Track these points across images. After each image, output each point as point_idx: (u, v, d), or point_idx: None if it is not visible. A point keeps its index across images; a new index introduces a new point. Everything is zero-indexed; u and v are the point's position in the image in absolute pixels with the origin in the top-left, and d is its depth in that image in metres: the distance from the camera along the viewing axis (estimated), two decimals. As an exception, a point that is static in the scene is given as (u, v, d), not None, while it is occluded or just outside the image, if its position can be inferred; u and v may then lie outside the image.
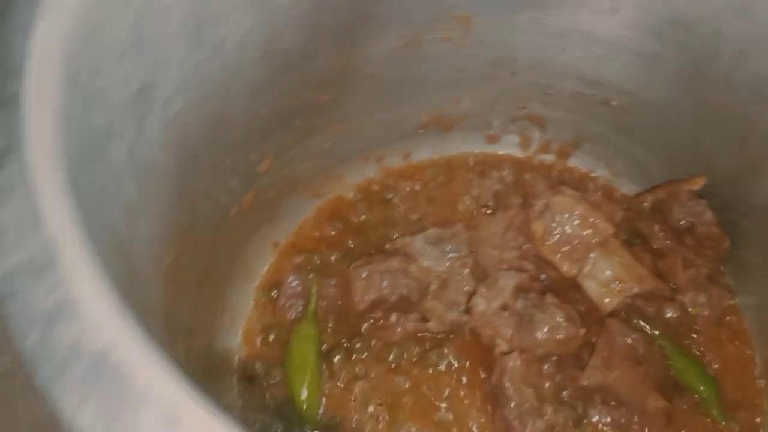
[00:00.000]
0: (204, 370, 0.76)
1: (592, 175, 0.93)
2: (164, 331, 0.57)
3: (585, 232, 0.79)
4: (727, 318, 0.81)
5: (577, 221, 0.79)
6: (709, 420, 0.74)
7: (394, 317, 0.79)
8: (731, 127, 0.73)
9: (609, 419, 0.72)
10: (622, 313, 0.79)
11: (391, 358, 0.79)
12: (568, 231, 0.79)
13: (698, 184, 0.79)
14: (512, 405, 0.72)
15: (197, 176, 0.64)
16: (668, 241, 0.81)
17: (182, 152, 0.59)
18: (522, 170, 0.94)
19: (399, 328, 0.79)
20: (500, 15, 0.76)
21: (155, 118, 0.52)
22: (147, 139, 0.51)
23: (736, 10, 0.64)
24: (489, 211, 0.90)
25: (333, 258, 0.86)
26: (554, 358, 0.75)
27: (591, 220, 0.79)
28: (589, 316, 0.79)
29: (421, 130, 0.92)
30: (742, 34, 0.65)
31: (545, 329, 0.74)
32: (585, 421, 0.73)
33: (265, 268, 0.86)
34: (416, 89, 0.85)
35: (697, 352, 0.79)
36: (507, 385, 0.73)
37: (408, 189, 0.92)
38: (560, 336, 0.74)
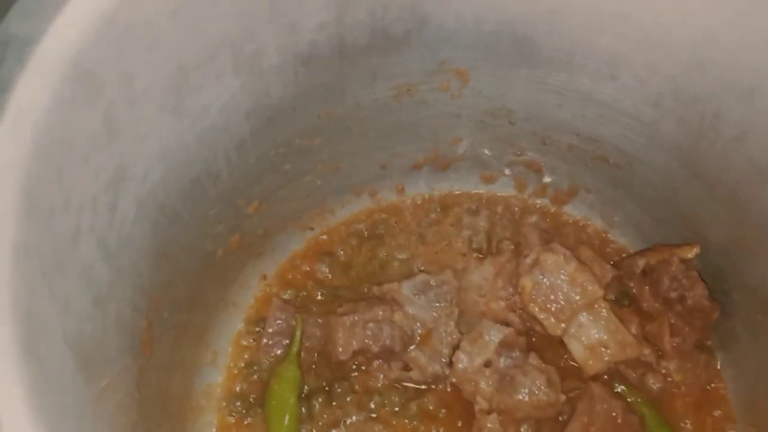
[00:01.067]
0: (183, 410, 0.77)
1: (588, 223, 0.91)
2: (136, 383, 0.57)
3: (573, 293, 0.78)
4: (712, 385, 0.80)
5: (566, 281, 0.78)
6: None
7: (376, 364, 0.79)
8: (725, 205, 0.71)
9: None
10: (606, 377, 0.78)
11: (372, 405, 0.79)
12: (557, 290, 0.78)
13: (690, 253, 0.77)
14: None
15: (179, 234, 0.64)
16: (657, 305, 0.80)
17: (162, 218, 0.58)
18: (517, 213, 0.92)
19: (381, 376, 0.79)
20: (499, 70, 0.74)
21: (130, 195, 0.51)
22: (121, 219, 0.50)
23: (736, 95, 0.62)
24: (480, 255, 0.89)
25: (319, 295, 0.86)
26: (532, 420, 0.75)
27: (580, 281, 0.78)
28: (572, 375, 0.79)
29: (416, 169, 0.90)
30: (741, 118, 0.63)
31: (525, 392, 0.74)
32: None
33: (251, 303, 0.86)
34: (411, 132, 0.84)
35: (680, 423, 0.78)
36: (485, 444, 0.73)
37: (400, 226, 0.91)
38: (539, 401, 0.74)
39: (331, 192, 0.88)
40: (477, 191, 0.93)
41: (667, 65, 0.64)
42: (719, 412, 0.78)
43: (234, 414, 0.80)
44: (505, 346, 0.78)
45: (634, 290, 0.82)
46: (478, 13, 0.66)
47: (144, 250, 0.56)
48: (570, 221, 0.91)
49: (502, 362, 0.76)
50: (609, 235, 0.90)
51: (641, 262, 0.80)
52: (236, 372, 0.82)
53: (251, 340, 0.84)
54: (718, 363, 0.81)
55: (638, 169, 0.79)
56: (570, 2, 0.63)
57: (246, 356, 0.83)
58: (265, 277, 0.87)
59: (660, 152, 0.75)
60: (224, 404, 0.81)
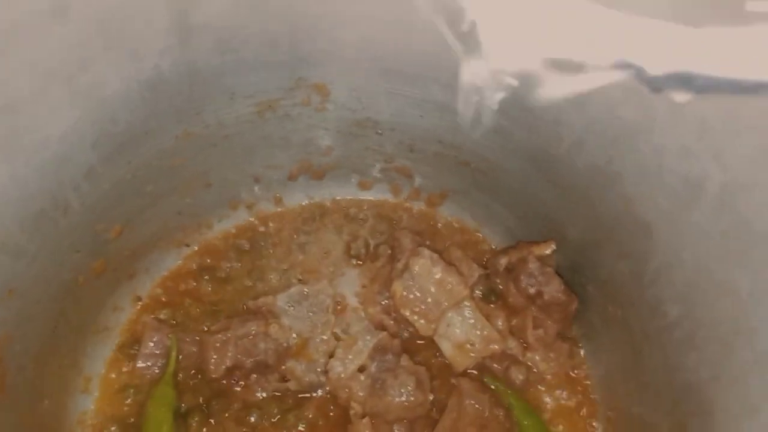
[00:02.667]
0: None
1: (459, 224, 0.94)
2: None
3: (441, 294, 0.81)
4: (575, 372, 0.85)
5: (433, 283, 0.81)
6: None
7: (254, 378, 0.80)
8: (576, 205, 0.75)
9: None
10: (474, 372, 0.82)
11: (252, 419, 0.79)
12: (425, 292, 0.81)
13: (547, 249, 0.81)
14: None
15: (27, 268, 0.62)
16: (521, 300, 0.84)
17: (2, 255, 0.57)
18: (394, 218, 0.94)
19: (259, 389, 0.80)
20: (358, 84, 0.75)
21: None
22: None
23: (573, 104, 0.65)
24: (359, 262, 0.91)
25: (198, 311, 0.86)
26: (405, 421, 0.78)
27: (447, 282, 0.81)
28: (444, 373, 0.82)
29: (292, 179, 0.91)
30: (579, 125, 0.67)
31: (395, 395, 0.76)
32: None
33: (125, 325, 0.85)
34: (281, 145, 0.84)
35: (544, 413, 0.82)
36: (358, 448, 0.75)
37: (279, 237, 0.92)
38: (409, 402, 0.77)
39: (205, 208, 0.88)
40: (355, 197, 0.95)
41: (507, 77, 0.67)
42: (581, 398, 0.83)
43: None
44: (378, 350, 0.81)
45: (500, 287, 0.85)
46: (331, 32, 0.67)
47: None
48: (443, 223, 0.94)
49: (375, 367, 0.79)
50: (480, 235, 0.93)
51: (503, 260, 0.84)
52: (111, 396, 0.81)
53: (127, 363, 0.83)
54: (582, 352, 0.85)
55: (498, 174, 0.82)
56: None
57: (121, 380, 0.82)
58: (139, 299, 0.86)
59: (515, 158, 0.78)
60: (99, 430, 0.79)
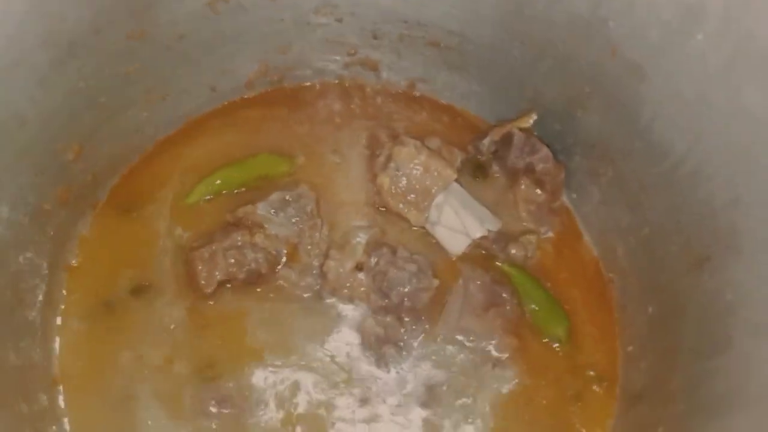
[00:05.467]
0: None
1: (435, 112, 0.90)
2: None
3: (429, 180, 0.79)
4: (573, 240, 0.84)
5: (420, 171, 0.78)
6: (558, 350, 0.78)
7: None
8: (554, 64, 0.73)
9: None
10: (473, 255, 0.80)
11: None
12: (413, 180, 0.79)
13: (528, 121, 0.80)
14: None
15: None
16: (509, 177, 0.83)
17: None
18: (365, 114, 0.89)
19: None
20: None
21: None
22: None
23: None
24: (338, 161, 0.86)
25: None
26: (413, 310, 0.76)
27: (433, 167, 0.78)
28: (442, 260, 0.80)
29: (249, 87, 0.85)
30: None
31: (400, 285, 0.74)
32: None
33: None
34: (236, 44, 0.78)
35: (547, 281, 0.81)
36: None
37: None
38: (416, 289, 0.75)
39: (162, 124, 0.82)
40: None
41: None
42: (583, 265, 0.83)
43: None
44: (373, 245, 0.78)
45: (486, 167, 0.83)
46: None
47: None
48: (417, 112, 0.90)
49: (373, 262, 0.76)
50: (458, 119, 0.90)
51: (487, 140, 0.81)
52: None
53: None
54: (577, 220, 0.84)
55: (469, 48, 0.79)
56: None
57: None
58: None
59: (486, 25, 0.75)
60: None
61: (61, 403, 0.70)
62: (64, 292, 0.74)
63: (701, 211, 0.61)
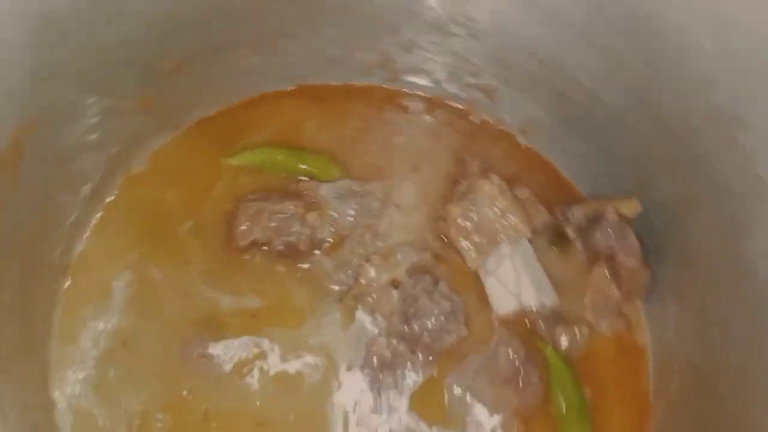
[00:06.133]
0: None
1: (537, 160, 0.85)
2: None
3: (500, 228, 0.73)
4: (629, 356, 0.75)
5: (496, 214, 0.73)
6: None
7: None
8: (678, 158, 0.66)
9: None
10: (516, 322, 0.74)
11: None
12: (484, 221, 0.73)
13: (630, 207, 0.72)
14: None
15: (66, 58, 0.56)
16: (588, 257, 0.76)
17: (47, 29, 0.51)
18: (464, 137, 0.85)
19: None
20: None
21: None
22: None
23: (711, 27, 0.56)
24: (417, 175, 0.82)
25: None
26: (432, 349, 0.70)
27: (510, 217, 0.73)
28: (482, 313, 0.74)
29: (366, 73, 0.83)
30: (715, 53, 0.57)
31: (427, 318, 0.69)
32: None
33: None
34: (364, 24, 0.76)
35: (586, 384, 0.73)
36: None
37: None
38: (441, 329, 0.69)
39: (273, 78, 0.81)
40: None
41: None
42: (632, 381, 0.74)
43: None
44: (417, 269, 0.73)
45: (567, 238, 0.77)
46: None
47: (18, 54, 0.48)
48: (519, 155, 0.85)
49: (410, 284, 0.71)
50: (558, 177, 0.83)
51: (579, 211, 0.75)
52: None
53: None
54: (643, 334, 0.76)
55: (595, 109, 0.73)
56: None
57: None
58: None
59: (618, 90, 0.69)
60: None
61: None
62: (112, 197, 0.74)
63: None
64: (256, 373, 0.68)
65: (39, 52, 0.51)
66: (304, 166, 0.76)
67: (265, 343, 0.69)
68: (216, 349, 0.68)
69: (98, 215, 0.73)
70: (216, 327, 0.69)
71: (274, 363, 0.69)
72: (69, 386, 0.65)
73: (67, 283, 0.69)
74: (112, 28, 0.58)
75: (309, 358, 0.69)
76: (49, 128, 0.57)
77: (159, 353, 0.68)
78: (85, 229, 0.72)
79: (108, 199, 0.73)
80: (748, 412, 0.56)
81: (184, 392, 0.67)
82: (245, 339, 0.69)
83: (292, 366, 0.69)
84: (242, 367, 0.69)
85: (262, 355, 0.69)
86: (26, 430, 0.57)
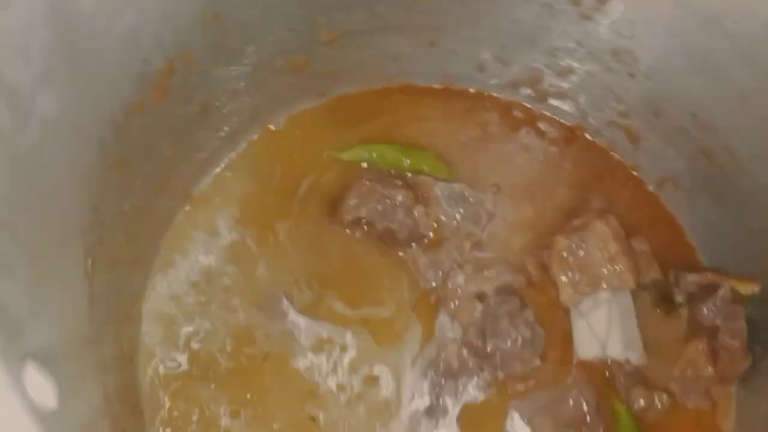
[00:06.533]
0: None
1: (665, 216, 0.80)
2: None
3: (604, 272, 0.70)
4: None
5: (603, 257, 0.71)
6: None
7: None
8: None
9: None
10: (595, 371, 0.71)
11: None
12: (589, 261, 0.71)
13: (748, 289, 0.67)
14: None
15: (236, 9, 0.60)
16: (691, 327, 0.71)
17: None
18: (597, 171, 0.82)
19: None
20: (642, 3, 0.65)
21: None
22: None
23: None
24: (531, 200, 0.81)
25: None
26: (499, 372, 0.69)
27: (618, 264, 0.70)
28: (561, 351, 0.72)
29: (513, 87, 0.83)
30: None
31: (503, 339, 0.68)
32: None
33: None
34: (525, 39, 0.76)
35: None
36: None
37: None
38: (513, 355, 0.68)
39: (418, 69, 0.82)
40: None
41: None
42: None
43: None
44: (507, 290, 0.72)
45: (673, 303, 0.73)
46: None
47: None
48: (649, 207, 0.81)
49: (496, 303, 0.70)
50: (683, 240, 0.79)
51: (694, 277, 0.71)
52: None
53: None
54: (729, 419, 0.70)
55: (740, 177, 0.69)
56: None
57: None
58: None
59: (771, 168, 0.64)
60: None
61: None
62: (245, 144, 0.78)
63: None
64: (326, 356, 0.70)
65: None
66: (412, 164, 0.76)
67: (348, 337, 0.70)
68: (299, 319, 0.71)
69: (231, 156, 0.78)
70: (301, 299, 0.71)
71: (348, 356, 0.70)
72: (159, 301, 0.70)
73: (186, 209, 0.74)
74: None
75: (380, 355, 0.70)
76: (203, 63, 0.62)
77: (246, 299, 0.71)
78: (214, 167, 0.77)
79: (242, 145, 0.78)
80: None
81: (257, 333, 0.70)
82: (328, 326, 0.71)
83: (362, 363, 0.70)
84: (317, 345, 0.70)
85: (339, 346, 0.71)
86: (112, 335, 0.62)
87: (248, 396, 0.68)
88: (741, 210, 0.71)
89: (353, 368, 0.69)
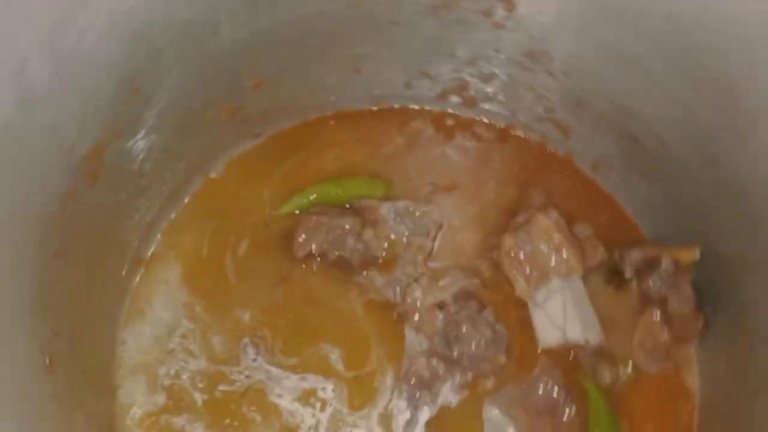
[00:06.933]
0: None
1: (603, 198, 0.84)
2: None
3: (552, 262, 0.74)
4: (673, 396, 0.74)
5: (549, 248, 0.74)
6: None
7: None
8: (743, 219, 0.65)
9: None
10: (559, 355, 0.74)
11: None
12: (537, 255, 0.74)
13: (689, 256, 0.71)
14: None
15: (157, 73, 0.62)
16: (641, 300, 0.75)
17: (137, 48, 0.56)
18: (537, 169, 0.86)
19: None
20: (546, 6, 0.68)
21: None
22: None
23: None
24: (478, 202, 0.84)
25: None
26: (469, 373, 0.72)
27: (564, 253, 0.73)
28: (525, 345, 0.75)
29: (442, 98, 0.86)
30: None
31: (467, 343, 0.71)
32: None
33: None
34: (445, 53, 0.78)
35: (624, 423, 0.73)
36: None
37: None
38: (480, 356, 0.71)
39: (346, 95, 0.85)
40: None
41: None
42: (675, 419, 0.73)
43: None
44: (465, 294, 0.75)
45: (623, 278, 0.76)
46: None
47: (107, 72, 0.54)
48: (585, 192, 0.84)
49: (455, 309, 0.73)
50: (621, 216, 0.83)
51: (637, 253, 0.74)
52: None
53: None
54: (690, 377, 0.74)
55: (664, 158, 0.72)
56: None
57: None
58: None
59: (692, 144, 0.68)
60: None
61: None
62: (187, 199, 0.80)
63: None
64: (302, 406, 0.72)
65: (131, 66, 0.57)
66: (350, 192, 0.79)
67: (322, 382, 0.73)
68: (273, 358, 0.73)
69: (177, 211, 0.79)
70: (268, 344, 0.73)
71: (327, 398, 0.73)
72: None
73: (141, 272, 0.76)
74: (202, 47, 0.64)
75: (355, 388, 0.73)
76: (130, 136, 0.63)
77: (211, 350, 0.73)
78: (162, 226, 0.79)
79: (185, 200, 0.79)
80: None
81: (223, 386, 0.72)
82: (297, 373, 0.73)
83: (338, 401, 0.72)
84: (300, 397, 0.73)
85: (314, 390, 0.73)
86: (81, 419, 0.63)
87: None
88: (670, 185, 0.75)
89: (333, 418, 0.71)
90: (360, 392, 0.72)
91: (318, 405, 0.72)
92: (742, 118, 0.60)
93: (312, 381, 0.72)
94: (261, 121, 0.82)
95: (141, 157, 0.67)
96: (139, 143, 0.65)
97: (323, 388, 0.72)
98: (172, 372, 0.71)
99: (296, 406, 0.72)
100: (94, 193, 0.60)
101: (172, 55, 0.61)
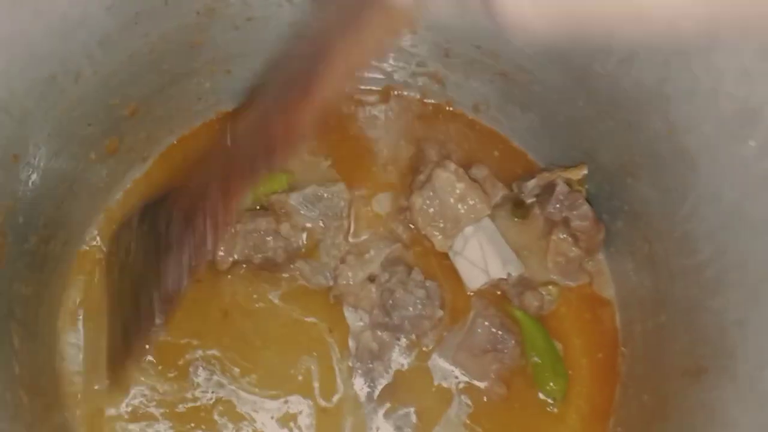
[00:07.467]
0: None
1: (492, 136, 0.89)
2: None
3: (461, 210, 0.78)
4: (595, 307, 0.81)
5: (455, 198, 0.78)
6: (549, 410, 0.76)
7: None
8: (613, 126, 0.71)
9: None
10: (489, 295, 0.79)
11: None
12: (445, 207, 0.78)
13: (577, 174, 0.77)
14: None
15: (33, 135, 0.60)
16: (546, 224, 0.81)
17: (4, 115, 0.54)
18: (426, 125, 0.89)
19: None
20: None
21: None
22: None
23: (630, 15, 0.59)
24: (381, 171, 0.87)
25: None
26: (413, 334, 0.76)
27: (469, 198, 0.78)
28: (457, 291, 0.80)
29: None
30: (634, 38, 0.61)
31: (404, 307, 0.75)
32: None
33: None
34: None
35: (558, 342, 0.79)
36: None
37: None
38: (418, 315, 0.75)
39: (226, 95, 0.84)
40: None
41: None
42: (598, 333, 0.80)
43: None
44: (390, 261, 0.78)
45: (526, 207, 0.82)
46: None
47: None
48: (474, 135, 0.89)
49: (385, 278, 0.76)
50: (512, 152, 0.88)
51: (532, 183, 0.80)
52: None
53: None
54: (606, 284, 0.81)
55: (536, 88, 0.77)
56: None
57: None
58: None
59: (556, 71, 0.73)
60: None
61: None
62: (96, 232, 0.78)
63: (713, 321, 0.57)
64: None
65: (3, 135, 0.55)
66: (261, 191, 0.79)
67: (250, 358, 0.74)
68: (217, 376, 0.74)
69: (82, 249, 0.78)
70: (217, 364, 0.74)
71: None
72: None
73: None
74: (67, 96, 0.62)
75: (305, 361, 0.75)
76: (24, 206, 0.62)
77: (165, 376, 0.74)
78: (78, 274, 0.77)
79: (93, 242, 0.78)
80: (695, 351, 0.62)
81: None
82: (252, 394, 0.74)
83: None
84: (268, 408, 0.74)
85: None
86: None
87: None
88: (545, 110, 0.80)
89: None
90: (325, 388, 0.75)
91: (287, 408, 0.74)
92: (596, 45, 0.65)
93: (276, 390, 0.74)
94: (146, 146, 0.80)
95: (38, 220, 0.65)
96: (35, 207, 0.63)
97: (287, 400, 0.74)
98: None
99: (264, 417, 0.73)
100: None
101: (42, 112, 0.59)
